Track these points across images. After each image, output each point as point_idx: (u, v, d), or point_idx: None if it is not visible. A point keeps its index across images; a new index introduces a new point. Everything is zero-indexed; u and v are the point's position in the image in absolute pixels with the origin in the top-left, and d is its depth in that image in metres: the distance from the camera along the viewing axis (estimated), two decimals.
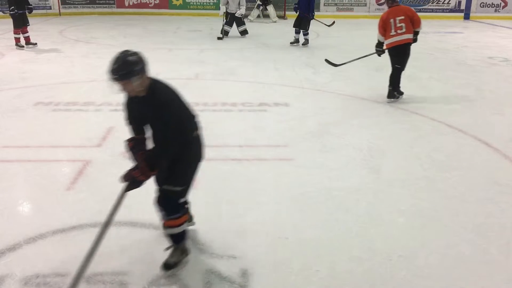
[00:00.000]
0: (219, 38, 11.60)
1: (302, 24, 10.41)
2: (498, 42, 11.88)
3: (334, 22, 11.56)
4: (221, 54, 9.48)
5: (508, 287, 2.63)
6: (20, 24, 9.52)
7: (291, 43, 10.72)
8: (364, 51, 10.11)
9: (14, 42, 9.80)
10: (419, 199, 3.56)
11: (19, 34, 9.62)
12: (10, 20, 10.14)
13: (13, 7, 9.33)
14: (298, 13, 10.43)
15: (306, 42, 10.62)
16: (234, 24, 11.79)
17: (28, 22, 9.72)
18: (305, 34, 10.52)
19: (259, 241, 2.95)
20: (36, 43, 9.81)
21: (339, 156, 4.33)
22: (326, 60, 7.31)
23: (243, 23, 11.94)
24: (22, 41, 9.68)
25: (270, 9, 15.56)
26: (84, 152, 4.29)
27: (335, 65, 7.26)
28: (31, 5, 9.83)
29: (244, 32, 11.96)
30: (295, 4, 10.69)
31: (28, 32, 9.73)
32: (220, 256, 2.78)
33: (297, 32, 10.57)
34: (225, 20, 11.81)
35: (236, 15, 11.68)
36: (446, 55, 9.83)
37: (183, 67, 8.11)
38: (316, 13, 16.10)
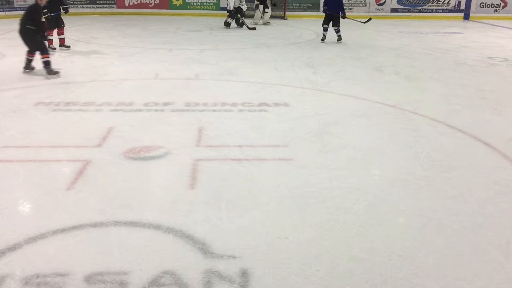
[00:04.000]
0: (250, 28, 13.46)
1: (334, 22, 11.19)
2: (498, 42, 11.89)
3: (370, 19, 12.48)
4: (221, 54, 9.49)
5: (508, 287, 2.63)
6: (53, 26, 9.35)
7: (322, 40, 11.45)
8: (364, 50, 10.17)
9: (15, 42, 9.79)
10: (419, 199, 3.56)
11: (52, 36, 9.45)
12: (10, 20, 10.14)
13: (46, 10, 9.13)
14: (327, 13, 11.19)
15: (339, 38, 11.36)
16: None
17: (64, 23, 9.56)
18: (338, 31, 11.27)
19: (259, 241, 2.95)
20: (69, 46, 9.69)
21: (339, 156, 4.34)
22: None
23: (233, 17, 13.64)
24: (56, 43, 9.56)
25: (259, 11, 15.11)
26: (84, 152, 4.29)
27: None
28: (66, 5, 9.55)
29: (227, 24, 13.68)
30: (324, 6, 11.52)
31: (63, 34, 9.62)
32: (220, 256, 2.78)
33: (325, 30, 11.34)
34: (237, 14, 13.65)
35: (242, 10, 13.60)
36: (446, 55, 9.84)
37: (183, 67, 8.12)
38: (315, 13, 16.39)
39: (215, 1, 17.57)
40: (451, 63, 8.99)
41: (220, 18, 16.97)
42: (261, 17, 14.70)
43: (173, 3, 17.45)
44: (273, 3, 15.48)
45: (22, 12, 15.95)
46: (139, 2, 17.24)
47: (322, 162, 4.19)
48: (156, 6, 17.37)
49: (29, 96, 6.09)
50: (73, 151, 4.34)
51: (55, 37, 9.50)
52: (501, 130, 5.16)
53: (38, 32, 7.17)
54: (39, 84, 6.73)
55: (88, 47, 10.00)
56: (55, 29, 9.46)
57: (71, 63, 8.37)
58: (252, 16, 14.76)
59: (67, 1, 9.65)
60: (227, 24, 13.72)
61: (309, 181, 3.81)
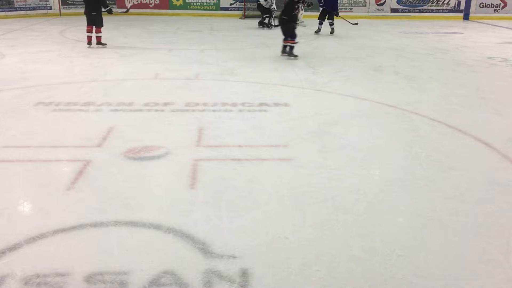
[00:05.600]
0: (277, 26, 14.12)
1: (329, 16, 12.63)
2: (498, 42, 11.89)
3: (357, 23, 13.81)
4: (221, 54, 9.50)
5: (508, 287, 2.63)
6: (89, 22, 9.78)
7: (315, 32, 12.82)
8: (364, 50, 10.18)
9: (15, 42, 9.85)
10: (418, 199, 3.56)
11: (90, 32, 9.86)
12: (10, 21, 10.20)
13: (109, 7, 10.17)
14: (323, 8, 12.65)
15: (332, 31, 12.68)
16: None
17: (95, 25, 9.84)
18: (331, 24, 12.66)
19: (259, 241, 2.96)
20: (105, 44, 10.01)
21: (339, 156, 4.34)
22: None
23: (269, 15, 14.07)
24: (94, 40, 9.93)
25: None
26: (84, 152, 4.30)
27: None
28: (98, 8, 9.86)
29: (269, 25, 14.10)
30: (320, 2, 12.75)
31: (98, 32, 9.91)
32: (220, 256, 2.79)
33: (321, 24, 12.77)
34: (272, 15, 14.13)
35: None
36: (446, 55, 9.84)
37: (183, 67, 8.12)
38: (315, 13, 16.68)
39: (215, 1, 17.57)
40: (451, 63, 9.00)
41: (220, 18, 16.98)
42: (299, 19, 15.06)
43: (173, 3, 17.46)
44: (308, 3, 15.65)
45: (22, 12, 16.01)
46: (139, 2, 17.25)
47: (322, 162, 4.19)
48: (156, 6, 17.37)
49: (29, 96, 6.09)
50: (73, 151, 4.34)
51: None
52: (501, 130, 5.16)
53: (290, 22, 8.96)
54: (39, 84, 6.73)
55: (88, 47, 9.99)
56: (93, 26, 9.82)
57: (71, 63, 8.37)
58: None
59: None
60: (270, 25, 13.99)
61: (309, 181, 3.81)
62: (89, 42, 9.85)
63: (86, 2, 9.76)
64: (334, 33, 12.67)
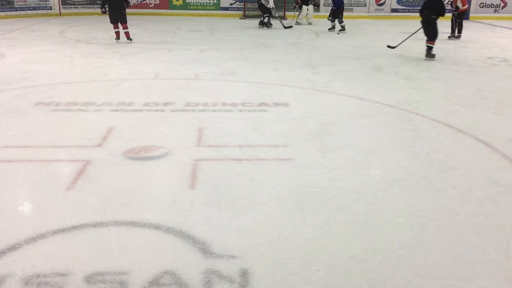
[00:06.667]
0: (286, 27, 13.99)
1: (337, 14, 13.18)
2: (498, 42, 11.90)
3: (291, 27, 14.47)
4: (221, 54, 9.50)
5: (508, 287, 2.63)
6: (115, 21, 10.45)
7: (329, 29, 13.48)
8: (364, 50, 10.18)
9: (15, 42, 9.88)
10: (418, 199, 3.56)
11: (117, 28, 10.57)
12: (10, 21, 10.21)
13: (129, 3, 10.77)
14: (332, 7, 13.48)
15: (343, 29, 13.25)
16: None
17: (121, 21, 10.46)
18: (341, 22, 13.24)
19: (259, 241, 2.96)
20: (131, 39, 10.65)
21: (339, 156, 4.34)
22: (388, 46, 10.01)
23: (270, 15, 14.07)
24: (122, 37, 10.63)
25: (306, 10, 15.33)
26: (84, 152, 4.30)
27: (393, 47, 9.75)
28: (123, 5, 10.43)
29: (269, 24, 14.15)
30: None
31: (126, 28, 10.59)
32: (220, 256, 2.79)
33: (333, 21, 13.36)
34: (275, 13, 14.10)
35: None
36: (446, 55, 9.84)
37: (183, 67, 8.12)
38: (316, 13, 16.81)
39: (215, 1, 17.58)
40: (451, 63, 9.00)
41: (220, 18, 16.99)
42: (303, 17, 15.19)
43: (173, 3, 17.46)
44: (316, 3, 15.66)
45: (22, 12, 16.03)
46: (139, 2, 17.25)
47: (322, 162, 4.19)
48: (156, 6, 17.37)
49: (29, 96, 6.09)
50: (73, 151, 4.34)
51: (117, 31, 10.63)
52: (501, 130, 5.16)
53: (436, 21, 8.82)
54: (39, 84, 6.73)
55: (88, 47, 10.01)
56: (115, 23, 10.50)
57: (71, 63, 8.37)
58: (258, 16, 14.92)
59: None
60: (269, 25, 14.01)
61: (309, 181, 3.81)
62: (118, 37, 10.55)
63: (112, 2, 10.23)
64: (338, 33, 13.04)
